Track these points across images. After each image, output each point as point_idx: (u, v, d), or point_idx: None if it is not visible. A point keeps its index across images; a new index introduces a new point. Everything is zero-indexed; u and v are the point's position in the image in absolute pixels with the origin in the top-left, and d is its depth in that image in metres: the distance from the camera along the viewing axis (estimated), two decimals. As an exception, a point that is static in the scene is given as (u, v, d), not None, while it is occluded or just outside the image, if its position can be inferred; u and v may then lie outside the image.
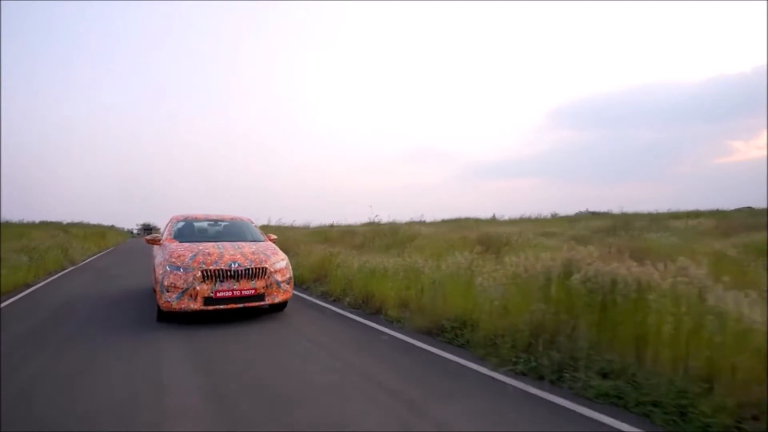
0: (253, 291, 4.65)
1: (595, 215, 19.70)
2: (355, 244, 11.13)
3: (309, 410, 2.56)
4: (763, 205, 16.04)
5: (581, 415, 2.52)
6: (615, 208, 18.85)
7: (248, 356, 3.61)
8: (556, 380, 2.96)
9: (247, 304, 4.67)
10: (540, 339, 3.28)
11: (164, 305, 4.48)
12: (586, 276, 3.25)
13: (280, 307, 5.24)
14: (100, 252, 17.13)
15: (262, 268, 4.75)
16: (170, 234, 5.64)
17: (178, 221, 6.03)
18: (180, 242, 5.28)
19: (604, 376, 2.87)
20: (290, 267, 5.27)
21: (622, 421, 2.42)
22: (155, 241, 5.67)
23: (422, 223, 17.08)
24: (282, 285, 4.91)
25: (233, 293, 4.55)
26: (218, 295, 4.49)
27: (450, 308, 4.24)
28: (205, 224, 6.23)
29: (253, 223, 6.57)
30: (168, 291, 4.45)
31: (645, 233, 10.05)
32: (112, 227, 36.05)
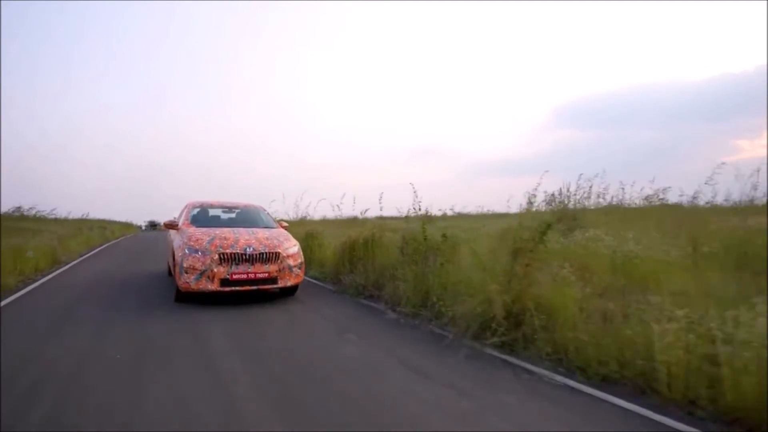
0: (266, 274, 4.82)
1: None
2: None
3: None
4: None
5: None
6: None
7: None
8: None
9: (260, 287, 4.86)
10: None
11: (183, 286, 4.68)
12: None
13: (292, 290, 5.35)
14: (130, 234, 29.63)
15: (276, 252, 4.90)
16: (187, 219, 5.80)
17: (194, 207, 6.17)
18: (197, 227, 5.44)
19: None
20: (302, 252, 5.39)
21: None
22: (172, 226, 5.87)
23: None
24: (294, 269, 5.07)
25: (248, 276, 4.73)
26: (234, 277, 4.67)
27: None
28: (219, 211, 6.41)
29: (265, 210, 6.68)
30: (187, 273, 4.65)
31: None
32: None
